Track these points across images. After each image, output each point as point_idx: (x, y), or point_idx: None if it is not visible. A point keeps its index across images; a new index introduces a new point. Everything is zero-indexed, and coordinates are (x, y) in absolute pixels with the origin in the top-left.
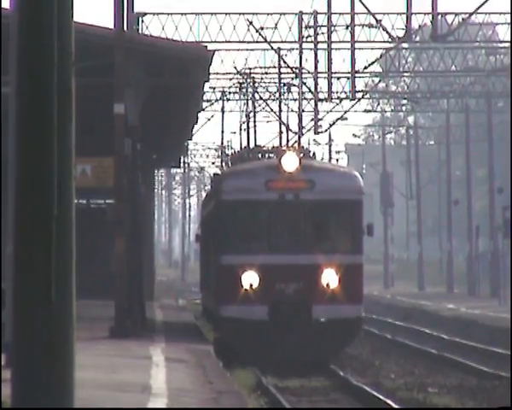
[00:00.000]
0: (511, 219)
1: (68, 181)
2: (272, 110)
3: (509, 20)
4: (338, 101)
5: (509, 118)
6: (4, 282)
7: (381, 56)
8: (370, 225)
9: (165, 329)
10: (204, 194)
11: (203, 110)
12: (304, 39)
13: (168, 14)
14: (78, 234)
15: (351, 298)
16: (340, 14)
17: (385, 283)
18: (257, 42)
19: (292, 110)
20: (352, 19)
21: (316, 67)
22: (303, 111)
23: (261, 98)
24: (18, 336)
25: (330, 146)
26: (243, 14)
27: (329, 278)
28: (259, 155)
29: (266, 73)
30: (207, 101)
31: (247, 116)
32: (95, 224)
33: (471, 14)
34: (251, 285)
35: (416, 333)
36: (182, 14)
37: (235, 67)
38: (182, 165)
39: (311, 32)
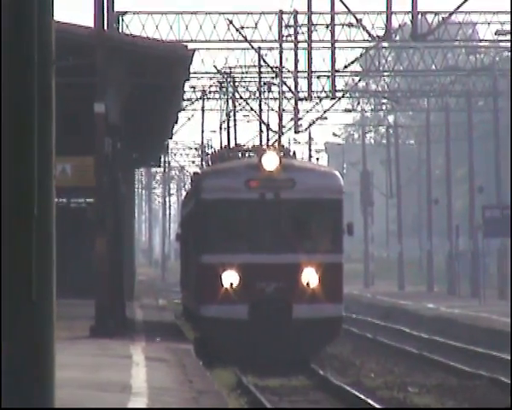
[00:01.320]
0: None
1: (48, 180)
2: (252, 109)
3: (488, 20)
4: (318, 100)
5: (490, 117)
6: None
7: (361, 56)
8: (350, 224)
9: (145, 328)
10: (184, 193)
11: (183, 109)
12: (284, 39)
13: (148, 13)
14: (58, 233)
15: (331, 297)
16: (320, 13)
17: (365, 282)
18: (237, 41)
19: (272, 109)
20: (332, 18)
21: (296, 67)
22: (283, 110)
23: (241, 97)
24: None
25: (310, 145)
26: (223, 13)
27: (310, 277)
28: (240, 154)
29: (246, 73)
30: (188, 100)
31: (228, 115)
32: (75, 223)
33: (451, 13)
34: (231, 284)
35: (397, 332)
36: (162, 13)
37: (215, 67)
38: (162, 164)
39: (292, 31)
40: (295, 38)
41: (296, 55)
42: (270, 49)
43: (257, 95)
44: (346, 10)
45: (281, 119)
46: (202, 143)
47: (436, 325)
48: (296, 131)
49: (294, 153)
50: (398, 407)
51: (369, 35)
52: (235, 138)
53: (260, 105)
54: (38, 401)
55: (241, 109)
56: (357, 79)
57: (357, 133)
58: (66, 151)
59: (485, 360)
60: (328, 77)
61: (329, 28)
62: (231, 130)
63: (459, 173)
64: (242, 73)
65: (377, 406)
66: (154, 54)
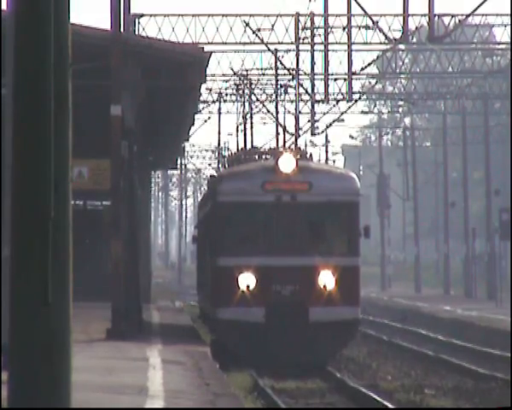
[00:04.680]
0: (511, 222)
1: (65, 183)
2: (269, 112)
3: (505, 22)
4: (335, 102)
5: (506, 120)
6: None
7: (377, 58)
8: (367, 226)
9: (161, 331)
10: (200, 195)
11: (200, 112)
12: (300, 41)
13: (165, 15)
14: (75, 236)
15: (348, 300)
16: (336, 15)
17: (382, 284)
18: (254, 43)
19: (289, 112)
20: (349, 20)
21: (312, 69)
22: (300, 112)
23: (258, 100)
24: (14, 337)
25: (327, 147)
26: (240, 15)
27: (326, 279)
28: (256, 157)
29: (263, 75)
30: (204, 102)
31: (244, 118)
32: (91, 225)
33: (468, 15)
34: (247, 287)
35: (413, 335)
36: (178, 15)
37: (231, 69)
38: (178, 166)
39: (308, 33)
40: (312, 40)
41: (313, 57)
42: (287, 51)
43: (273, 97)
44: (363, 13)
45: (297, 121)
46: (219, 145)
47: (453, 328)
48: (313, 134)
49: (311, 155)
50: (414, 408)
51: (386, 37)
52: (252, 141)
53: (277, 107)
54: (55, 403)
55: (257, 112)
56: (373, 81)
57: (374, 135)
58: (83, 154)
59: (502, 362)
60: (345, 79)
61: (346, 30)
62: (248, 132)
63: (476, 176)
64: (259, 75)
65: (390, 406)
66: (170, 56)
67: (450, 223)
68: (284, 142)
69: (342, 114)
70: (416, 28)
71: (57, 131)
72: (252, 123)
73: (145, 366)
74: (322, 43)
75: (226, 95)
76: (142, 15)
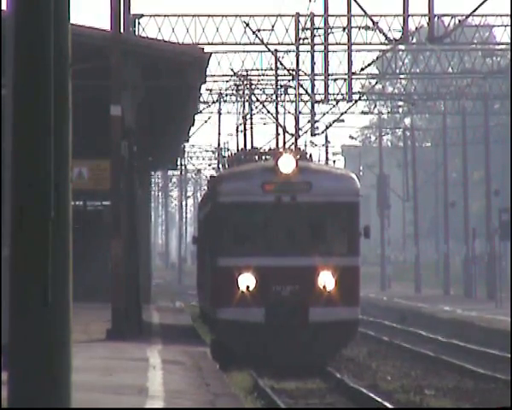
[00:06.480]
0: (511, 222)
1: (65, 183)
2: (269, 112)
3: (505, 22)
4: (335, 102)
5: (506, 120)
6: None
7: (377, 58)
8: (367, 226)
9: (161, 331)
10: (200, 196)
11: (200, 112)
12: (300, 41)
13: (165, 15)
14: (75, 236)
15: (347, 300)
16: (336, 16)
17: (381, 285)
18: (254, 44)
19: (289, 112)
20: (349, 21)
21: (312, 69)
22: (300, 113)
23: (258, 100)
24: (14, 338)
25: (327, 148)
26: (240, 16)
27: (326, 280)
28: (256, 157)
29: (263, 75)
30: (204, 103)
31: (244, 118)
32: (91, 226)
33: (468, 16)
34: (247, 287)
35: (413, 335)
36: (178, 15)
37: (231, 69)
38: (178, 167)
39: (308, 34)
40: (312, 40)
41: (313, 57)
42: (287, 51)
43: (273, 97)
44: (363, 13)
45: (297, 121)
46: (219, 145)
47: (452, 328)
48: (313, 134)
49: (311, 155)
50: (414, 408)
51: (386, 38)
52: (252, 141)
53: (277, 108)
54: (55, 403)
55: (257, 112)
56: (373, 81)
57: (374, 136)
58: (83, 154)
59: (502, 362)
60: (345, 79)
61: (346, 31)
62: (248, 133)
63: (476, 176)
64: (259, 75)
65: (390, 406)
66: (169, 56)
67: (450, 223)
68: (284, 142)
69: (342, 114)
70: (416, 28)
71: (57, 132)
72: (252, 123)
73: (145, 366)
74: (322, 43)
75: (226, 95)
76: (142, 16)
